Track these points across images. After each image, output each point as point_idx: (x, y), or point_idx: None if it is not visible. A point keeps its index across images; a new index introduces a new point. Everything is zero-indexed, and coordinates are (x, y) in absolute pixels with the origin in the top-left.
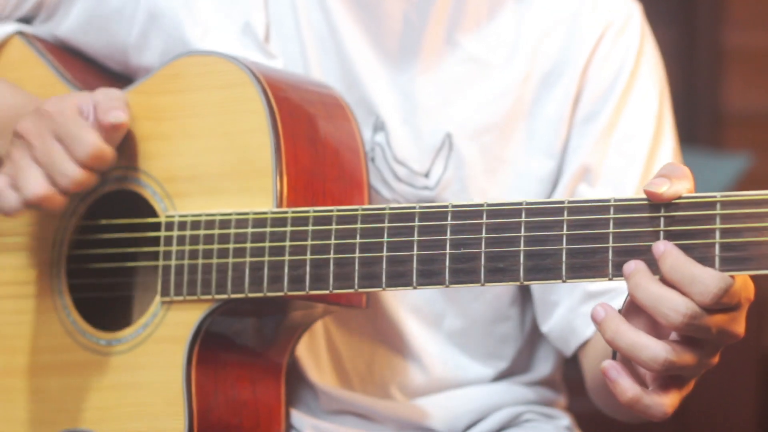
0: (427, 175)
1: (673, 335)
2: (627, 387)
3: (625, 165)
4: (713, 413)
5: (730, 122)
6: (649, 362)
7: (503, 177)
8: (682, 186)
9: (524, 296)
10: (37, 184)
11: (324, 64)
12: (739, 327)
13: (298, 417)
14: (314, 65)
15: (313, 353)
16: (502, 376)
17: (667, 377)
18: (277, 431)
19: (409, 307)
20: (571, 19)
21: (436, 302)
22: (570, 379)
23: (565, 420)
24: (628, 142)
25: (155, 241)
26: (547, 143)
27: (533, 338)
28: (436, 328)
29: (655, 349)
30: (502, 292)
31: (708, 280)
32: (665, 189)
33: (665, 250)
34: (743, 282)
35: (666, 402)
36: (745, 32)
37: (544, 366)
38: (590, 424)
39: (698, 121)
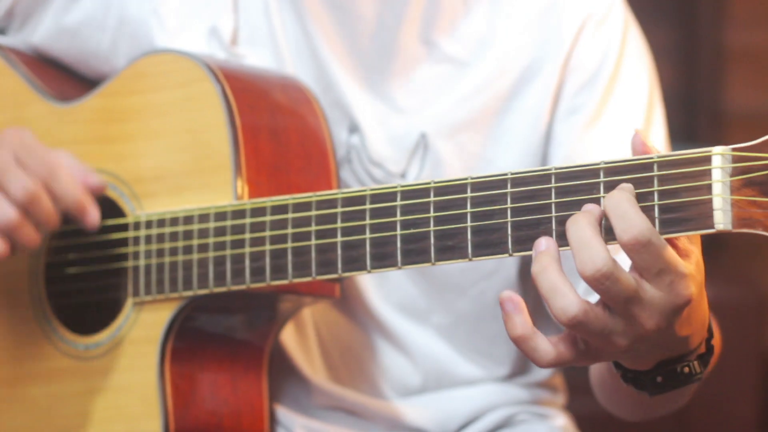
0: (403, 176)
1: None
2: (518, 323)
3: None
4: (713, 413)
5: (731, 122)
6: (558, 311)
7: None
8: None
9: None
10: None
11: (298, 66)
12: (651, 320)
13: (287, 415)
14: (289, 68)
15: (303, 348)
16: (498, 380)
17: (574, 337)
18: (261, 428)
19: (394, 304)
20: (548, 13)
21: (418, 299)
22: (570, 379)
23: (560, 419)
24: (618, 132)
25: (125, 242)
26: (526, 139)
27: None
28: (424, 324)
29: (570, 302)
30: (486, 288)
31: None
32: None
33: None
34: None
35: (553, 352)
36: (746, 32)
37: (543, 368)
38: (590, 425)
39: (699, 121)
